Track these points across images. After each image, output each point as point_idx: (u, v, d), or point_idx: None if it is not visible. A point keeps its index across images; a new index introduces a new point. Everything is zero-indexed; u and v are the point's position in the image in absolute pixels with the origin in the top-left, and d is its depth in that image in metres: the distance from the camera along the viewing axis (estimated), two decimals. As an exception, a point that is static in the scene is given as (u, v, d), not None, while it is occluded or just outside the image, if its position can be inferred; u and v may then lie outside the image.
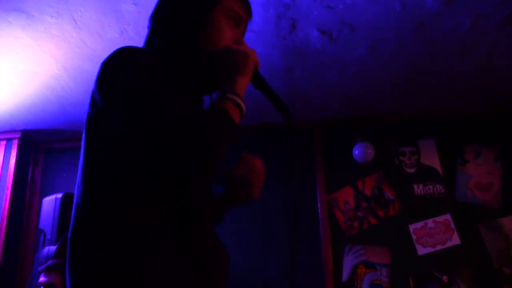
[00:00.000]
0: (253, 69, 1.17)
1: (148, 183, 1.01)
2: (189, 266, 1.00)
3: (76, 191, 1.06)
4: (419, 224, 3.60)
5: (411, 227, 3.59)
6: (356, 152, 3.72)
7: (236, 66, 1.12)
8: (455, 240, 3.52)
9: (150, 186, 1.01)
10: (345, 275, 3.54)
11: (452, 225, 3.56)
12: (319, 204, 3.72)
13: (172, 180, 1.03)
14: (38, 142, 4.21)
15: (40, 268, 2.71)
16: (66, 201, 3.18)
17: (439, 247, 3.52)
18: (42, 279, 2.65)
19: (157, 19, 1.22)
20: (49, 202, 3.20)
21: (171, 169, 1.01)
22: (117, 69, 1.02)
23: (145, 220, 0.98)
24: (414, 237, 3.57)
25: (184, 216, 1.03)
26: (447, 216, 3.59)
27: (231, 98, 1.06)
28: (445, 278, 3.24)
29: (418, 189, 3.71)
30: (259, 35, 2.79)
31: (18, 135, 3.98)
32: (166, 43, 1.17)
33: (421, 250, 3.53)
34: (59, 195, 3.20)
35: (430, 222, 3.59)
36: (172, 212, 1.02)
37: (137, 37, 2.77)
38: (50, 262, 2.75)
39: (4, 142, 3.99)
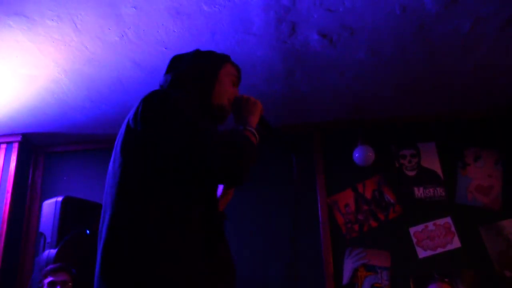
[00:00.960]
0: (260, 112, 1.51)
1: (181, 201, 1.24)
2: (214, 277, 1.22)
3: (110, 206, 1.25)
4: (420, 227, 3.59)
5: (412, 230, 3.59)
6: (357, 155, 3.72)
7: (249, 110, 1.47)
8: (456, 243, 3.52)
9: (182, 203, 1.24)
10: (345, 278, 3.54)
11: (453, 228, 3.56)
12: (319, 207, 3.72)
13: (201, 197, 1.29)
14: (39, 146, 4.21)
15: (45, 270, 2.70)
16: (66, 205, 3.17)
17: (439, 250, 3.52)
18: (49, 279, 2.65)
19: (178, 70, 1.54)
20: (49, 206, 3.20)
21: (216, 182, 1.35)
22: (161, 104, 1.31)
23: (177, 236, 1.18)
24: (414, 240, 3.56)
25: (210, 230, 1.26)
26: (448, 219, 3.59)
27: (250, 130, 1.40)
28: (446, 281, 3.23)
29: (419, 192, 3.71)
30: (259, 38, 2.79)
31: (19, 138, 3.98)
32: (186, 91, 1.47)
33: (421, 253, 3.53)
34: (60, 199, 3.19)
35: (430, 225, 3.59)
36: (200, 227, 1.24)
37: (137, 40, 2.77)
38: (58, 264, 2.75)
39: (4, 146, 3.98)
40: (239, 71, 1.64)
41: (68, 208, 3.18)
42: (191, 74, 1.52)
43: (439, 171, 3.75)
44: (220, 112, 1.51)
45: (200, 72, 1.53)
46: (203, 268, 1.19)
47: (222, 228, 1.35)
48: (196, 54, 1.59)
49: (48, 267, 2.72)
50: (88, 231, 3.14)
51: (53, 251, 2.98)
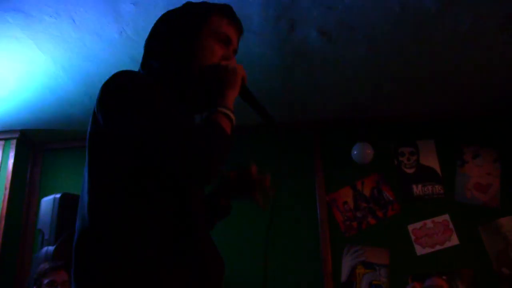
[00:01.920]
0: (240, 83, 1.24)
1: (149, 194, 1.09)
2: (190, 272, 1.08)
3: (80, 202, 1.14)
4: (418, 225, 3.60)
5: (410, 228, 3.59)
6: (355, 152, 3.72)
7: (225, 81, 1.20)
8: (454, 240, 3.52)
9: (151, 197, 1.09)
10: (344, 276, 3.54)
11: (451, 226, 3.56)
12: (318, 205, 3.72)
13: (171, 190, 1.12)
14: (37, 142, 4.20)
15: (44, 269, 2.67)
16: (64, 201, 3.17)
17: (438, 248, 3.52)
18: (49, 278, 2.62)
19: (151, 43, 1.32)
20: (48, 202, 3.19)
21: (172, 180, 1.10)
22: (116, 90, 1.12)
23: (147, 230, 1.06)
24: (413, 237, 3.57)
25: (183, 224, 1.11)
26: (446, 217, 3.59)
27: (223, 112, 1.14)
28: (444, 278, 3.23)
29: (417, 189, 3.72)
30: (258, 35, 2.79)
31: (17, 135, 3.97)
32: (161, 65, 1.26)
33: (420, 251, 3.53)
34: (58, 195, 3.19)
35: (429, 223, 3.59)
36: (172, 221, 1.10)
37: (136, 37, 2.76)
38: (58, 263, 2.72)
39: (2, 142, 3.97)
40: (234, 23, 1.32)
41: (66, 205, 3.17)
42: (165, 42, 1.28)
43: (437, 168, 3.75)
44: (206, 82, 1.23)
45: (175, 37, 1.26)
46: (171, 262, 1.05)
47: (201, 222, 1.18)
48: (174, 13, 1.33)
49: (48, 266, 2.69)
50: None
51: (51, 248, 2.98)
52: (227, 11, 1.32)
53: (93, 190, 1.11)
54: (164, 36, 1.29)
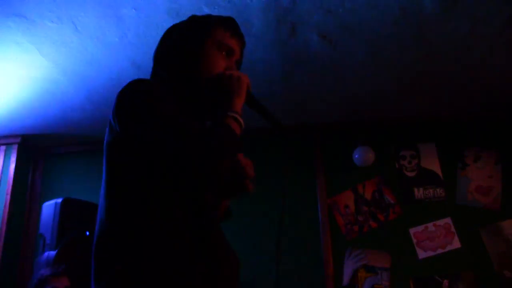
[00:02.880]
0: (246, 90, 1.29)
1: (166, 199, 1.14)
2: (206, 271, 1.12)
3: (100, 207, 1.20)
4: (420, 228, 3.59)
5: (412, 231, 3.59)
6: (356, 156, 3.72)
7: (231, 90, 1.26)
8: (456, 243, 3.52)
9: (168, 202, 1.14)
10: (345, 279, 3.53)
11: (453, 229, 3.56)
12: (319, 208, 3.72)
13: (186, 194, 1.17)
14: (38, 147, 4.20)
15: (46, 275, 2.66)
16: (66, 206, 3.17)
17: (439, 251, 3.52)
18: (51, 285, 2.61)
19: (159, 55, 1.38)
20: (49, 207, 3.19)
21: (186, 182, 1.13)
22: (131, 99, 1.18)
23: (164, 234, 1.10)
24: (414, 240, 3.56)
25: (199, 227, 1.16)
26: (448, 220, 3.59)
27: (232, 116, 1.19)
28: (445, 282, 3.23)
29: (419, 192, 3.71)
30: (259, 39, 2.79)
31: (18, 140, 3.97)
32: (169, 75, 1.33)
33: (421, 254, 3.53)
34: (59, 200, 3.18)
35: (430, 226, 3.59)
36: (188, 225, 1.14)
37: (137, 42, 2.77)
38: (59, 269, 2.70)
39: (3, 147, 3.98)
40: (237, 36, 1.38)
41: (67, 209, 3.17)
42: (172, 53, 1.34)
43: (439, 171, 3.75)
44: (213, 91, 1.29)
45: (180, 49, 1.33)
46: (189, 272, 1.10)
47: (213, 228, 1.23)
48: (180, 26, 1.40)
49: (49, 272, 2.68)
50: (87, 233, 3.14)
51: (52, 253, 2.97)
52: (230, 24, 1.39)
53: (110, 196, 1.17)
54: (171, 48, 1.35)
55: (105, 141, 1.24)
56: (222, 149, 1.10)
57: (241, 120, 1.21)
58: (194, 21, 1.40)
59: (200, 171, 1.07)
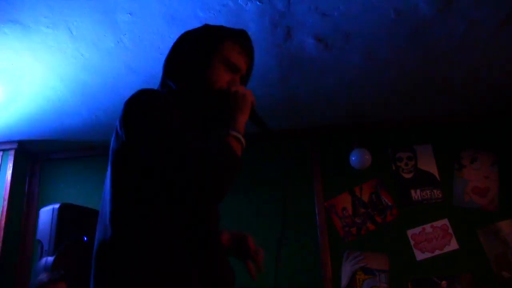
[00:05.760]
0: (250, 107, 1.31)
1: (169, 208, 1.16)
2: (205, 280, 1.15)
3: (101, 214, 1.22)
4: (417, 230, 3.60)
5: (409, 233, 3.59)
6: (353, 158, 3.72)
7: (236, 107, 1.28)
8: (454, 245, 3.52)
9: (171, 210, 1.16)
10: (344, 282, 3.53)
11: (450, 230, 3.56)
12: (316, 211, 3.72)
13: (189, 204, 1.19)
14: (35, 153, 4.20)
15: (43, 282, 2.65)
16: (63, 212, 3.16)
17: (437, 252, 3.52)
18: None
19: (169, 65, 1.40)
20: (46, 213, 3.18)
21: (187, 196, 1.16)
22: (138, 109, 1.20)
23: (168, 243, 1.13)
24: (412, 242, 3.57)
25: (200, 237, 1.18)
26: (445, 221, 3.59)
27: (234, 135, 1.22)
28: (444, 283, 3.23)
29: (416, 194, 3.72)
30: (254, 43, 2.78)
31: (15, 146, 3.97)
32: (177, 87, 1.35)
33: (419, 256, 3.53)
34: (56, 206, 3.17)
35: (428, 227, 3.59)
36: (190, 234, 1.17)
37: (132, 47, 2.77)
38: (56, 275, 2.70)
39: (0, 153, 3.97)
40: (245, 52, 1.40)
41: (65, 215, 3.16)
42: (180, 65, 1.37)
43: (435, 173, 3.76)
44: (219, 106, 1.31)
45: (189, 60, 1.35)
46: (190, 279, 1.13)
47: (216, 239, 1.28)
48: (191, 37, 1.40)
49: (47, 278, 2.67)
50: (85, 238, 3.13)
51: (50, 259, 2.97)
52: (239, 40, 1.40)
53: (115, 203, 1.18)
54: (180, 59, 1.37)
55: (111, 147, 1.26)
56: (222, 171, 1.12)
57: (243, 141, 1.23)
58: (205, 32, 1.41)
59: (200, 189, 1.10)
